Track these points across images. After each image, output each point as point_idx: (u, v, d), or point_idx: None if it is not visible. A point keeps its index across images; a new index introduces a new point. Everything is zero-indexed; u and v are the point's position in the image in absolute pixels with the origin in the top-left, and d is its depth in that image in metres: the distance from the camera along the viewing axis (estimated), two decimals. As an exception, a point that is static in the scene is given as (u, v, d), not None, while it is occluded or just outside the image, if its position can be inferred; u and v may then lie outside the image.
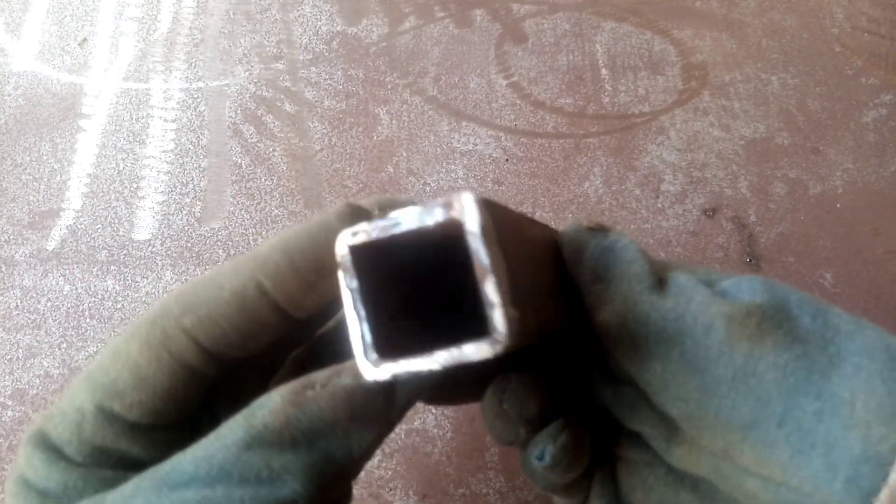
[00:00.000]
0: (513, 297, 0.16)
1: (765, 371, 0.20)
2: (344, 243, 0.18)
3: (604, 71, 0.48)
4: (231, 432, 0.18)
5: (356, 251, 0.18)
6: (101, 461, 0.20)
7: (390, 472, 0.35)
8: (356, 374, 0.18)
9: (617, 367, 0.23)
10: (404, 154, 0.45)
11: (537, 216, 0.42)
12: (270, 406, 0.18)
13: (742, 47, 0.49)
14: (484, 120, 0.46)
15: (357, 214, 0.20)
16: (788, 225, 0.42)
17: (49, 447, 0.20)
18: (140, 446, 0.20)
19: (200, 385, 0.21)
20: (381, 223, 0.17)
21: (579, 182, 0.44)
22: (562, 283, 0.23)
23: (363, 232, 0.17)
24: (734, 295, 0.22)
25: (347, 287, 0.17)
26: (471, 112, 0.46)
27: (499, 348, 0.16)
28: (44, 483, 0.19)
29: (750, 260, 0.41)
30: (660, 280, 0.22)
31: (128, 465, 0.20)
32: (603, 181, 0.44)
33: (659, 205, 0.43)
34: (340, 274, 0.18)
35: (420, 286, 0.19)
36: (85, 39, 0.50)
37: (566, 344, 0.25)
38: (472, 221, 0.16)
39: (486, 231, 0.16)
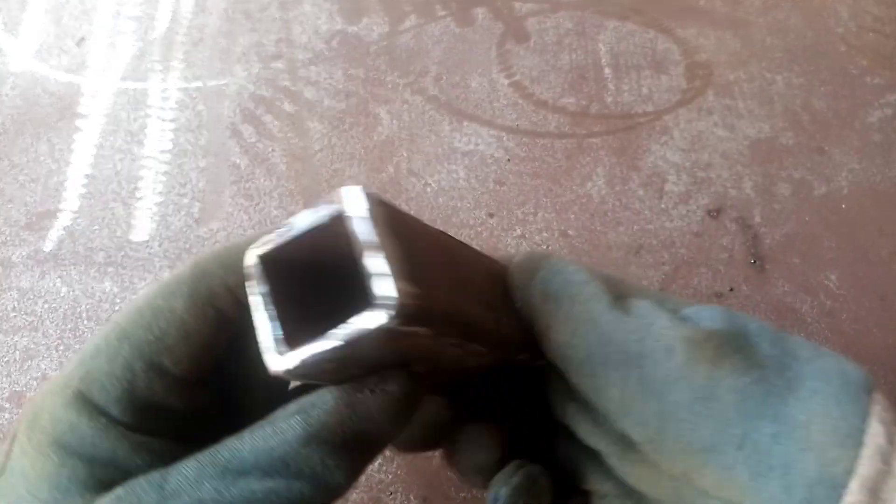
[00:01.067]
0: (406, 274, 0.17)
1: (724, 394, 0.20)
2: (253, 254, 0.19)
3: (607, 70, 0.47)
4: (290, 428, 0.19)
5: (265, 259, 0.19)
6: (149, 422, 0.20)
7: (391, 476, 0.34)
8: (401, 383, 0.20)
9: (573, 385, 0.23)
10: (405, 154, 0.44)
11: (539, 217, 0.42)
12: (326, 407, 0.19)
13: (746, 46, 0.49)
14: (486, 119, 0.46)
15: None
16: (793, 225, 0.42)
17: (96, 410, 0.20)
18: (184, 401, 0.21)
19: (230, 336, 0.22)
20: (280, 230, 0.19)
21: (582, 182, 0.43)
22: (509, 305, 0.23)
23: (269, 241, 0.19)
24: (695, 321, 0.22)
25: (258, 293, 0.19)
26: (472, 112, 0.46)
27: (390, 313, 0.17)
28: (91, 450, 0.19)
29: (754, 261, 0.41)
30: (617, 300, 0.22)
31: (170, 429, 0.21)
32: (606, 181, 0.43)
33: (663, 205, 0.42)
34: (249, 283, 0.19)
35: (328, 285, 0.20)
36: (83, 39, 0.49)
37: (523, 364, 0.25)
38: (353, 208, 0.17)
39: (370, 214, 0.17)
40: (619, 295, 0.23)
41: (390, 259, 0.17)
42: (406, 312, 0.17)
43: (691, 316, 0.22)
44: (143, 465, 0.20)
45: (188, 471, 0.19)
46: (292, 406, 0.20)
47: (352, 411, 0.19)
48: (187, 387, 0.21)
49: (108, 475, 0.19)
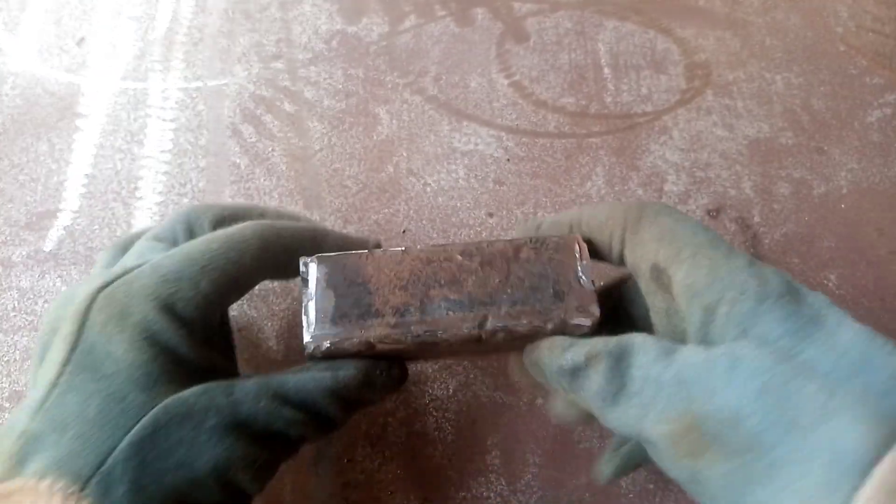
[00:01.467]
0: (328, 320, 0.26)
1: (708, 479, 0.22)
2: None
3: (606, 70, 0.47)
4: (323, 378, 0.26)
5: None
6: (211, 340, 0.26)
7: (390, 476, 0.34)
8: (401, 370, 0.28)
9: None
10: (404, 154, 0.44)
11: (539, 216, 0.42)
12: (350, 373, 0.26)
13: (745, 46, 0.49)
14: (485, 119, 0.46)
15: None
16: (792, 225, 0.42)
17: (181, 321, 0.25)
18: (226, 332, 0.29)
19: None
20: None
21: (581, 182, 0.43)
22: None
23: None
24: (706, 380, 0.22)
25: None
26: (472, 111, 0.46)
27: (307, 351, 0.26)
28: (174, 352, 0.24)
29: (754, 261, 0.41)
30: (622, 379, 0.24)
31: (218, 349, 0.27)
32: (605, 181, 0.43)
33: (662, 205, 0.42)
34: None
35: None
36: (83, 39, 0.49)
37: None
38: (303, 273, 0.27)
39: (308, 279, 0.26)
40: (622, 358, 0.24)
41: (311, 313, 0.26)
42: (321, 351, 0.26)
43: (709, 375, 0.23)
44: (207, 371, 0.25)
45: (249, 387, 0.24)
46: (323, 364, 0.26)
47: (366, 380, 0.26)
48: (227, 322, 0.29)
49: (183, 375, 0.24)
